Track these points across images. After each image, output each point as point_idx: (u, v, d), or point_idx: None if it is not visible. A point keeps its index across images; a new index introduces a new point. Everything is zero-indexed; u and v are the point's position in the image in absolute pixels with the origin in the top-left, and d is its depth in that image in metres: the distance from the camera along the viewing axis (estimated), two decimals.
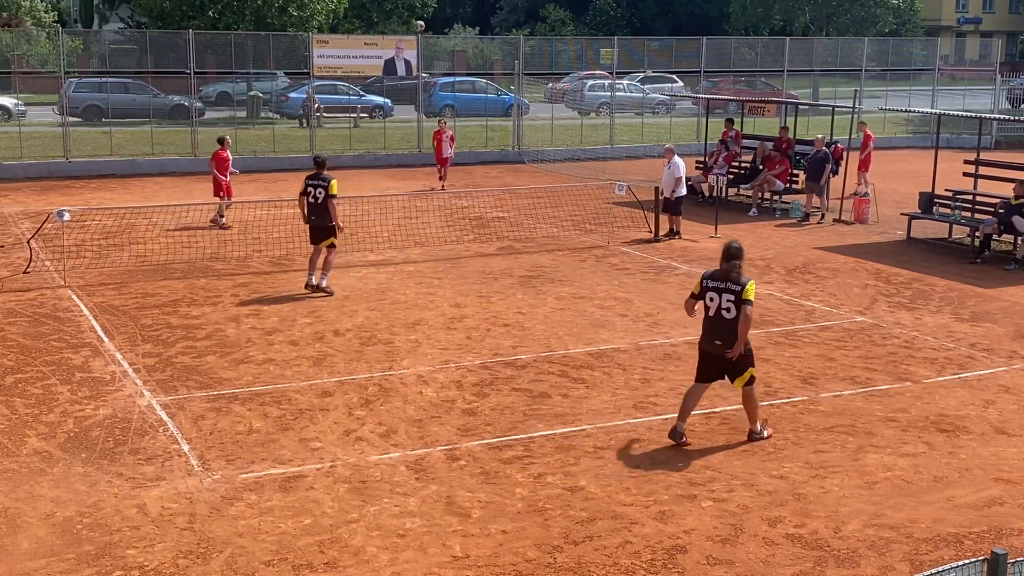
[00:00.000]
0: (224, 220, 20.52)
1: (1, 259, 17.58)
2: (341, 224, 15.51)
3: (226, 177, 20.78)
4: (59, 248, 16.89)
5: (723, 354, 9.63)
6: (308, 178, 15.23)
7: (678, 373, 12.04)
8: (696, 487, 9.05)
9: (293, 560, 7.73)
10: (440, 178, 26.29)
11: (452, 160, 26.80)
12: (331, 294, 15.23)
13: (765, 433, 10.09)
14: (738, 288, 9.54)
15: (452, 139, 26.61)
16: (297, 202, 15.75)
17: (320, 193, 15.06)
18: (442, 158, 26.10)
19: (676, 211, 20.17)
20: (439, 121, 27.60)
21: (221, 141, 21.15)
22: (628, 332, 13.68)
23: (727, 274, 9.62)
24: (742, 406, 10.10)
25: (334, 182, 15.13)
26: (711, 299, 9.63)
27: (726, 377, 9.88)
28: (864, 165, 24.39)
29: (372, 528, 8.24)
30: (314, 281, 15.28)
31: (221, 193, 20.75)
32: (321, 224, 15.18)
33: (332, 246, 15.35)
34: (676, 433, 9.87)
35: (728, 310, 9.50)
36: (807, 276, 17.15)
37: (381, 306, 14.83)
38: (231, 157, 21.19)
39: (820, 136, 23.09)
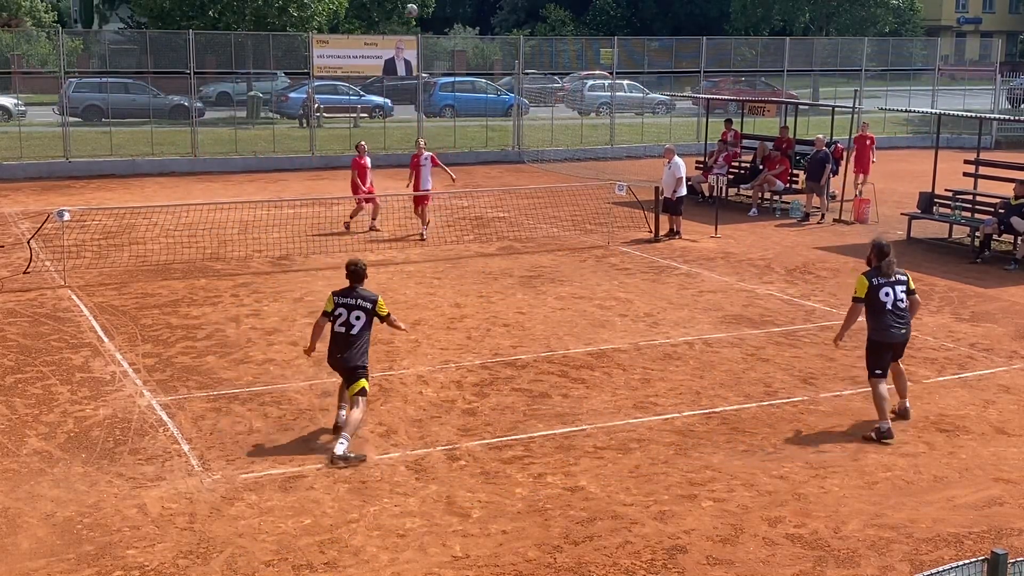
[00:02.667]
0: (351, 223, 20.44)
1: (1, 259, 17.58)
2: (406, 328, 11.26)
3: (364, 183, 20.19)
4: (59, 248, 16.89)
5: (906, 339, 10.57)
6: (338, 295, 10.17)
7: (678, 373, 12.04)
8: (696, 487, 9.05)
9: (293, 560, 7.73)
10: (420, 217, 19.96)
11: (441, 180, 21.59)
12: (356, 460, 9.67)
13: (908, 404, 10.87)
14: (905, 278, 10.57)
15: (435, 161, 19.93)
16: (312, 326, 10.53)
17: (356, 320, 9.98)
18: (419, 192, 19.86)
19: (676, 211, 20.20)
20: (416, 142, 20.88)
21: (358, 148, 20.60)
22: (628, 332, 13.68)
23: (890, 269, 10.47)
24: (894, 385, 10.78)
25: (381, 301, 10.14)
26: (886, 294, 10.40)
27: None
28: (863, 167, 24.30)
29: (372, 528, 8.24)
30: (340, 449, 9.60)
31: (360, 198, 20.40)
32: (349, 364, 9.89)
33: (363, 391, 9.94)
34: (887, 432, 10.20)
35: (902, 300, 10.43)
36: (807, 276, 17.15)
37: None
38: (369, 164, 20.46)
39: (820, 136, 23.08)
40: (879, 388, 10.30)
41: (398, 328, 10.54)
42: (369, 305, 9.99)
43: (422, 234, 19.72)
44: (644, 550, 7.95)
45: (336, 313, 10.01)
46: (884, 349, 10.41)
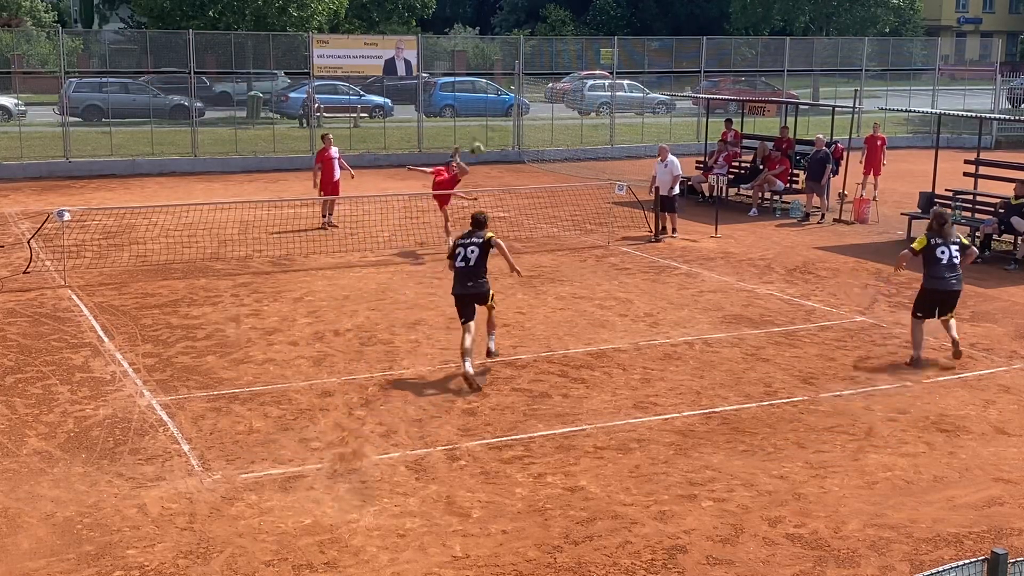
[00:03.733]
0: (330, 218, 20.62)
1: (1, 259, 17.58)
2: (519, 269, 12.60)
3: (333, 176, 20.56)
4: (59, 248, 16.88)
5: (958, 291, 12.57)
6: (459, 240, 12.19)
7: (678, 373, 12.04)
8: (696, 487, 9.05)
9: (293, 560, 7.73)
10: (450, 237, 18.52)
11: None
12: (499, 355, 12.50)
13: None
14: (957, 238, 12.63)
15: (453, 175, 18.82)
16: (448, 264, 12.56)
17: (472, 254, 11.87)
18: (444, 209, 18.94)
19: (673, 209, 20.28)
20: (454, 154, 19.69)
21: (324, 138, 21.00)
22: (628, 332, 13.68)
23: (947, 233, 12.53)
24: (948, 332, 12.54)
25: (493, 237, 12.05)
26: (942, 252, 12.42)
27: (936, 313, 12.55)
28: (875, 167, 24.22)
29: (372, 528, 8.24)
30: (472, 369, 11.54)
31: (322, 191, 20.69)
32: (475, 291, 11.94)
33: (493, 302, 12.32)
34: (917, 360, 12.46)
35: (956, 257, 12.44)
36: (807, 276, 17.15)
37: (381, 306, 14.82)
38: (336, 155, 20.78)
39: (820, 136, 23.08)
40: (917, 326, 12.52)
41: (506, 258, 12.15)
42: (480, 239, 11.99)
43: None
44: (644, 550, 7.95)
45: (456, 253, 12.06)
46: (932, 296, 12.45)
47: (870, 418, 10.74)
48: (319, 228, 20.38)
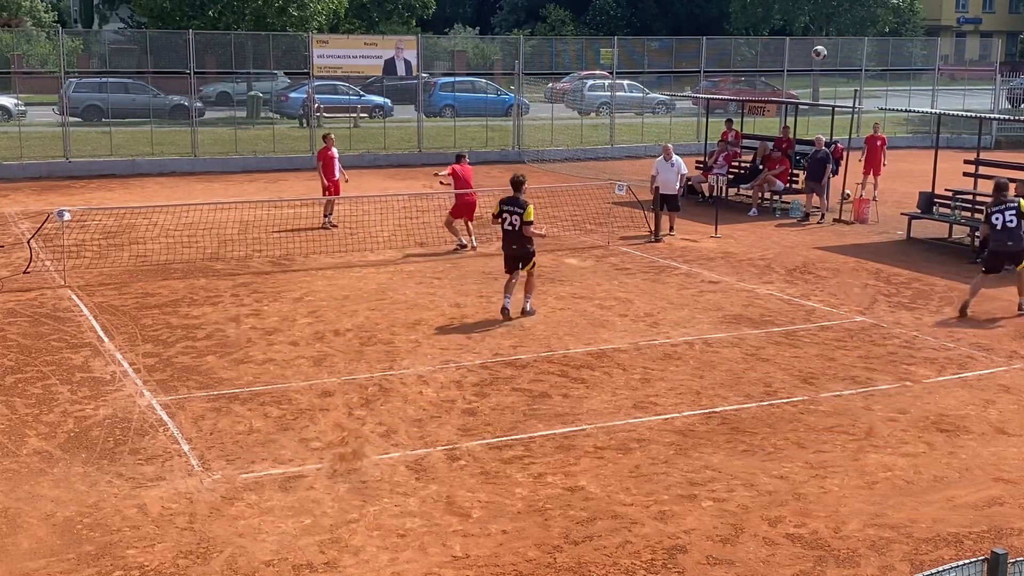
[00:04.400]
0: (328, 219, 20.62)
1: (1, 259, 17.58)
2: (544, 232, 15.14)
3: (333, 175, 20.66)
4: (59, 248, 16.89)
5: (1016, 251, 14.46)
6: (503, 202, 14.17)
7: (678, 373, 12.04)
8: (696, 487, 9.05)
9: (293, 560, 7.73)
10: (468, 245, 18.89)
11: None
12: (533, 313, 14.30)
13: None
14: (1015, 205, 14.46)
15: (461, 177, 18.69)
16: (491, 221, 14.98)
17: (516, 220, 14.03)
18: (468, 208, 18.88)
19: (677, 208, 20.32)
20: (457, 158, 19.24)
21: (325, 138, 21.03)
22: (628, 332, 13.68)
23: (1001, 199, 14.54)
24: (1019, 283, 14.70)
25: (530, 208, 14.10)
26: (996, 218, 14.43)
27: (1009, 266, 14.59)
28: (875, 167, 24.23)
29: (372, 528, 8.24)
30: (510, 305, 14.04)
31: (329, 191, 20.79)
32: (519, 251, 14.13)
33: (533, 266, 14.39)
34: (966, 307, 14.51)
35: (1011, 221, 14.38)
36: (807, 276, 17.15)
37: (381, 306, 14.83)
38: (337, 155, 20.84)
39: (820, 136, 23.08)
40: (980, 279, 14.74)
41: (536, 234, 14.24)
42: (520, 211, 14.01)
43: (472, 245, 18.80)
44: (644, 550, 7.95)
45: (502, 216, 14.10)
46: (997, 257, 14.64)
47: (870, 418, 10.74)
48: (320, 228, 20.38)
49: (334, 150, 20.82)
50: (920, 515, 8.60)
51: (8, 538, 8.02)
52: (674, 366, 12.31)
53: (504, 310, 13.99)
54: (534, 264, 14.33)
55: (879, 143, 24.37)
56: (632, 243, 19.64)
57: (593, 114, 41.30)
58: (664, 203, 20.09)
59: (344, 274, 16.75)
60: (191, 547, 7.90)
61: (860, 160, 24.31)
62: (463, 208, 18.75)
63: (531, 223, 14.07)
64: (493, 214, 14.42)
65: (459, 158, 19.14)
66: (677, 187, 20.09)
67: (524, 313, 14.21)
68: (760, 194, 23.45)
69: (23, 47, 41.32)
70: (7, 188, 25.57)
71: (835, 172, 22.71)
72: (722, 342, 13.30)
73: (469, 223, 18.96)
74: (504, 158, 32.66)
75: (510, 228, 14.05)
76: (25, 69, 40.52)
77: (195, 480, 9.07)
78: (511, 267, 14.19)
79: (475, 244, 18.86)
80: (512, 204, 14.07)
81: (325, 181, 20.76)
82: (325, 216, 20.77)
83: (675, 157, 20.20)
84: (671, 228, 20.34)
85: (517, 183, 14.23)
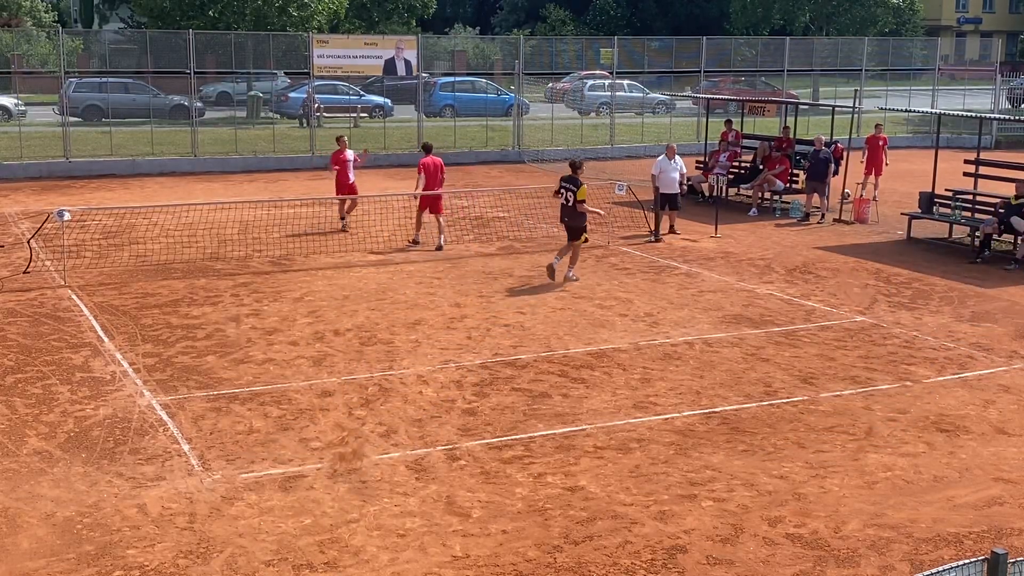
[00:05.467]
0: (344, 222, 20.41)
1: (1, 259, 17.58)
2: (601, 212, 17.11)
3: (348, 178, 20.33)
4: (59, 248, 16.89)
5: None
6: (562, 179, 16.40)
7: (678, 373, 12.04)
8: (696, 487, 9.05)
9: (293, 560, 7.73)
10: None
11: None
12: (576, 280, 16.20)
13: None
14: None
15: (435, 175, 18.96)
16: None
17: (571, 197, 16.04)
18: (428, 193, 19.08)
19: (678, 206, 20.35)
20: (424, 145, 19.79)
21: (339, 140, 20.71)
22: (628, 332, 13.68)
23: None
24: None
25: (584, 188, 16.04)
26: None
27: None
28: (876, 167, 24.21)
29: (372, 528, 8.24)
30: (556, 266, 16.18)
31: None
32: (572, 224, 16.24)
33: (585, 240, 16.52)
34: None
35: None
36: (807, 276, 17.15)
37: (381, 306, 14.83)
38: (351, 157, 20.45)
39: (821, 136, 23.07)
40: None
41: (591, 211, 16.27)
42: (575, 188, 16.05)
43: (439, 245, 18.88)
44: (644, 550, 7.95)
45: (561, 191, 16.40)
46: None
47: (870, 418, 10.74)
48: (339, 231, 20.12)
49: (348, 152, 20.38)
50: (920, 515, 8.60)
51: (8, 538, 8.02)
52: (674, 366, 12.31)
53: (549, 267, 16.15)
54: (585, 239, 16.39)
55: (880, 143, 24.37)
56: (632, 243, 19.64)
57: (593, 114, 41.29)
58: (666, 202, 20.09)
59: (344, 274, 16.75)
60: (191, 547, 7.91)
61: (862, 161, 24.31)
62: (426, 200, 18.96)
63: (583, 201, 15.97)
64: (555, 191, 16.72)
65: (427, 149, 19.44)
66: (680, 186, 20.13)
67: (566, 279, 16.10)
68: (760, 194, 23.45)
69: (23, 47, 41.33)
70: (7, 188, 25.57)
71: (835, 172, 22.71)
72: (722, 342, 13.30)
73: (439, 217, 19.17)
74: (504, 158, 32.66)
75: (565, 203, 16.24)
76: (25, 69, 40.53)
77: (195, 480, 9.07)
78: (567, 236, 16.47)
79: (442, 243, 18.89)
80: (569, 182, 16.17)
81: (336, 183, 20.45)
82: (342, 218, 20.51)
83: (676, 156, 20.23)
84: (672, 227, 20.34)
85: (574, 165, 16.42)
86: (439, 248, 18.72)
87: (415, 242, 19.10)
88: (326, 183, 26.55)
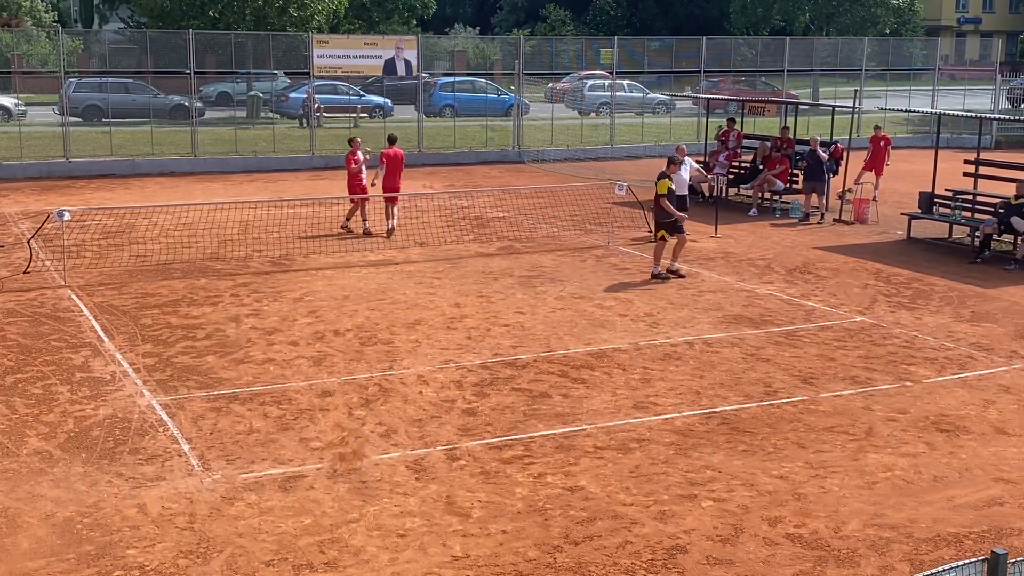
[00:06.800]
0: (367, 224, 20.06)
1: (1, 259, 17.58)
2: (673, 214, 16.55)
3: (362, 179, 19.97)
4: (59, 248, 16.89)
5: None
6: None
7: (678, 373, 12.04)
8: (696, 487, 9.05)
9: (293, 560, 7.73)
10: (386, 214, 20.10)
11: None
12: (683, 276, 16.75)
13: None
14: None
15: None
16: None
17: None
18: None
19: (686, 208, 20.26)
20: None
21: (352, 142, 20.35)
22: (628, 332, 13.68)
23: None
24: None
25: (662, 182, 16.44)
26: None
27: None
28: (877, 168, 24.20)
29: (372, 528, 8.24)
30: (660, 269, 16.71)
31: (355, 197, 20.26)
32: (654, 217, 16.98)
33: (662, 238, 16.65)
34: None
35: None
36: (807, 276, 17.15)
37: (381, 306, 14.83)
38: (363, 159, 20.03)
39: (817, 136, 23.04)
40: None
41: (664, 205, 16.36)
42: (656, 181, 16.57)
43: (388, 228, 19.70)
44: (644, 550, 7.95)
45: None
46: None
47: (870, 418, 10.74)
48: (363, 234, 19.79)
49: (360, 154, 19.92)
50: (920, 515, 8.60)
51: (8, 538, 8.02)
52: (674, 366, 12.31)
53: (657, 274, 16.70)
54: (662, 236, 16.57)
55: (883, 143, 24.37)
56: (632, 243, 19.64)
57: (593, 114, 41.30)
58: (678, 204, 19.99)
59: (344, 274, 16.75)
60: (191, 547, 7.91)
61: (864, 160, 24.31)
62: (387, 190, 19.48)
63: (662, 195, 16.32)
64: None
65: (391, 141, 19.91)
66: (688, 187, 19.99)
67: (668, 271, 16.78)
68: (760, 194, 23.45)
69: (23, 47, 41.35)
70: (7, 188, 25.57)
71: (835, 172, 22.70)
72: (722, 342, 13.30)
73: (394, 208, 19.62)
74: (504, 158, 32.67)
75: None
76: (25, 69, 40.55)
77: (195, 480, 9.07)
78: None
79: (392, 226, 19.56)
80: (661, 176, 16.64)
81: (348, 186, 20.14)
82: (364, 221, 20.07)
83: (687, 158, 20.08)
84: (676, 256, 20.11)
85: (669, 159, 17.34)
86: (390, 232, 19.51)
87: (368, 233, 19.69)
88: (326, 183, 26.64)
